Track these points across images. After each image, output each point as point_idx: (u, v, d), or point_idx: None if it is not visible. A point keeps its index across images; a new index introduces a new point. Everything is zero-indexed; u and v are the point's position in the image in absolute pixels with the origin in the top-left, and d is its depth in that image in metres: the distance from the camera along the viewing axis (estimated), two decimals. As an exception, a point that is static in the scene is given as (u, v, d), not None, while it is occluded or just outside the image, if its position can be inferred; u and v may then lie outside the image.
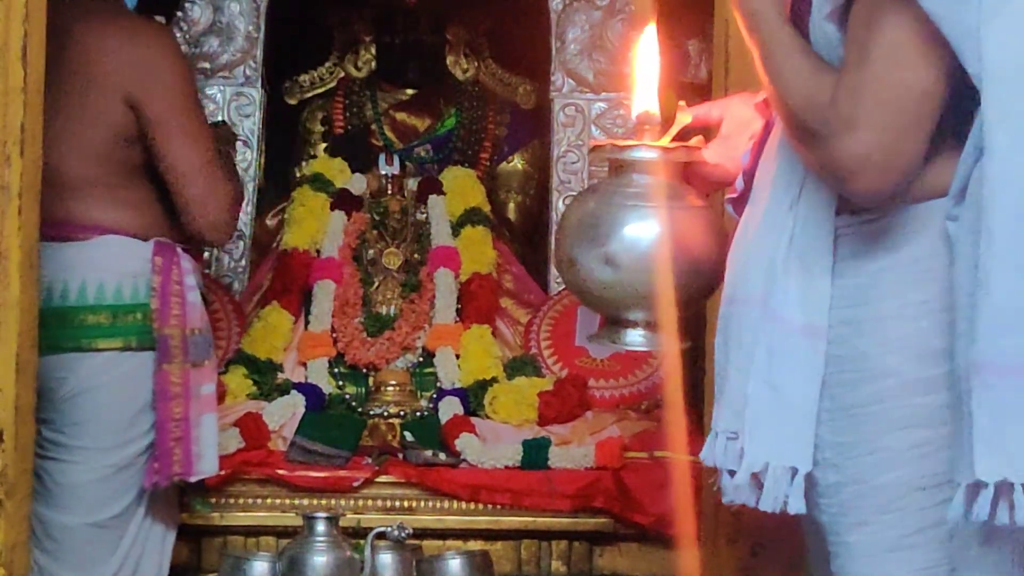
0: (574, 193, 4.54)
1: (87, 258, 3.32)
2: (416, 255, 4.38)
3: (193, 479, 3.40)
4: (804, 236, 2.09)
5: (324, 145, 4.83)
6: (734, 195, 2.25)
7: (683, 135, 2.30)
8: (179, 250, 3.39)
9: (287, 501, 3.73)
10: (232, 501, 3.72)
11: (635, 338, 2.28)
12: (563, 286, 4.38)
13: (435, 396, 4.07)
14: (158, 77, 3.31)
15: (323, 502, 3.70)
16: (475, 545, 3.73)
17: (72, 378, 3.32)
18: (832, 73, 2.00)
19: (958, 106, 1.97)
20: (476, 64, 4.91)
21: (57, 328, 3.28)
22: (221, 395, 3.86)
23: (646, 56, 2.30)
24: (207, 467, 3.40)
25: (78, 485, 3.34)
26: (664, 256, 2.20)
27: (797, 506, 2.08)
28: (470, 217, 4.42)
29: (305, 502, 3.71)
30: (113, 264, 3.33)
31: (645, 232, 2.21)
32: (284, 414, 3.89)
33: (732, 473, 2.12)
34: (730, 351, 2.15)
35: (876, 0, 1.95)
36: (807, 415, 2.08)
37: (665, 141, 2.27)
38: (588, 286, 2.26)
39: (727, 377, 2.15)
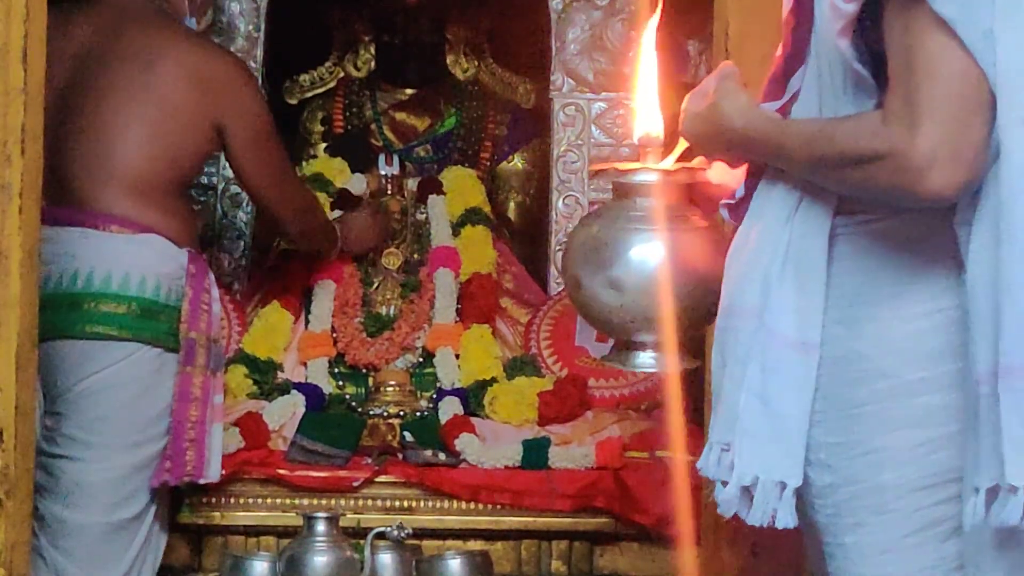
0: (574, 193, 4.54)
1: (131, 251, 3.42)
2: (416, 255, 4.38)
3: (202, 481, 3.47)
4: (799, 251, 2.09)
5: (324, 145, 4.83)
6: (731, 201, 2.25)
7: (687, 155, 2.31)
8: (207, 265, 3.56)
9: (287, 501, 3.73)
10: (232, 501, 3.72)
11: (645, 360, 2.29)
12: (563, 286, 4.39)
13: (435, 396, 4.07)
14: (243, 106, 3.57)
15: (323, 502, 3.70)
16: (475, 545, 3.74)
17: (92, 370, 3.37)
18: (855, 112, 2.01)
19: None
20: (476, 64, 4.90)
21: (87, 313, 3.38)
22: (221, 396, 3.88)
23: (647, 77, 2.30)
24: (213, 472, 3.48)
25: (96, 484, 3.37)
26: (669, 279, 2.20)
27: (786, 520, 2.08)
28: (470, 217, 4.42)
29: (305, 502, 3.71)
30: (152, 262, 3.44)
31: (650, 255, 2.22)
32: (284, 414, 3.89)
33: (725, 484, 2.12)
34: (725, 362, 2.15)
35: (903, 10, 1.94)
36: (798, 430, 2.08)
37: (668, 163, 2.27)
38: (596, 310, 2.27)
39: (722, 388, 2.16)
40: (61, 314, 3.30)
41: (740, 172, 2.24)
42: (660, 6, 2.32)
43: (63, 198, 3.38)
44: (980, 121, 1.92)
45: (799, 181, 2.10)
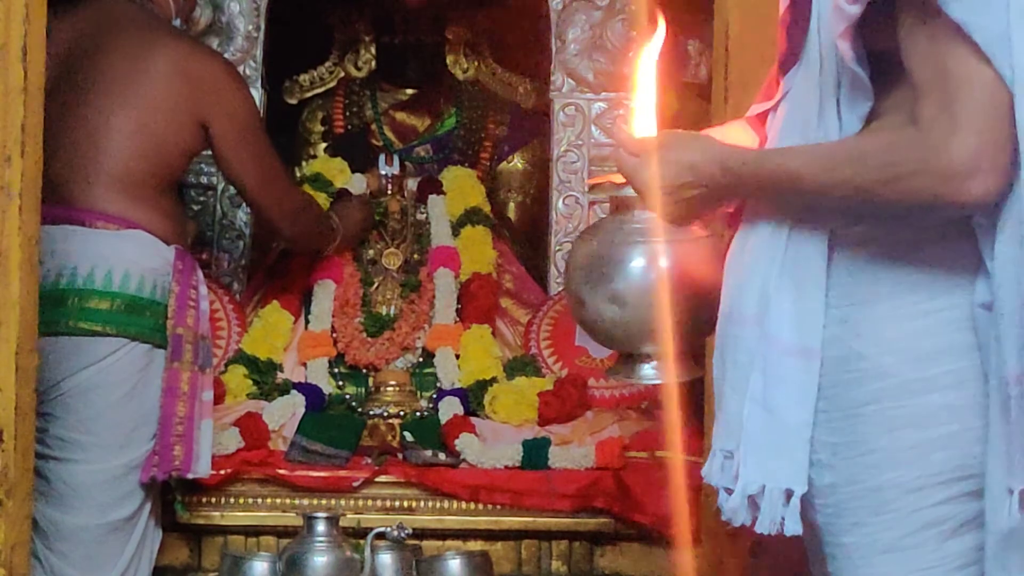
0: (574, 193, 4.54)
1: (116, 247, 3.43)
2: (416, 255, 4.38)
3: (189, 476, 3.46)
4: (797, 256, 2.09)
5: (324, 145, 4.83)
6: (729, 209, 2.25)
7: None
8: (195, 261, 3.55)
9: (287, 501, 3.73)
10: (232, 501, 3.72)
11: (649, 372, 2.29)
12: (566, 302, 4.38)
13: (435, 396, 4.07)
14: (229, 104, 3.56)
15: (323, 502, 3.70)
16: (475, 545, 3.73)
17: (79, 367, 3.36)
18: (849, 113, 2.01)
19: None
20: (476, 64, 4.90)
21: (73, 309, 3.38)
22: (221, 395, 3.88)
23: (644, 91, 2.30)
24: (202, 468, 3.47)
25: (88, 486, 3.37)
26: (670, 291, 2.20)
27: (793, 528, 2.08)
28: (470, 217, 4.42)
29: (305, 502, 3.71)
30: (138, 257, 3.44)
31: (649, 268, 2.22)
32: (284, 414, 3.89)
33: (729, 491, 2.12)
34: (727, 369, 2.15)
35: (925, 20, 1.94)
36: (802, 437, 2.08)
37: None
38: (598, 325, 2.27)
39: (724, 395, 2.15)
40: (47, 311, 3.27)
41: None
42: (663, 23, 2.31)
43: (49, 196, 3.36)
44: (1009, 127, 1.92)
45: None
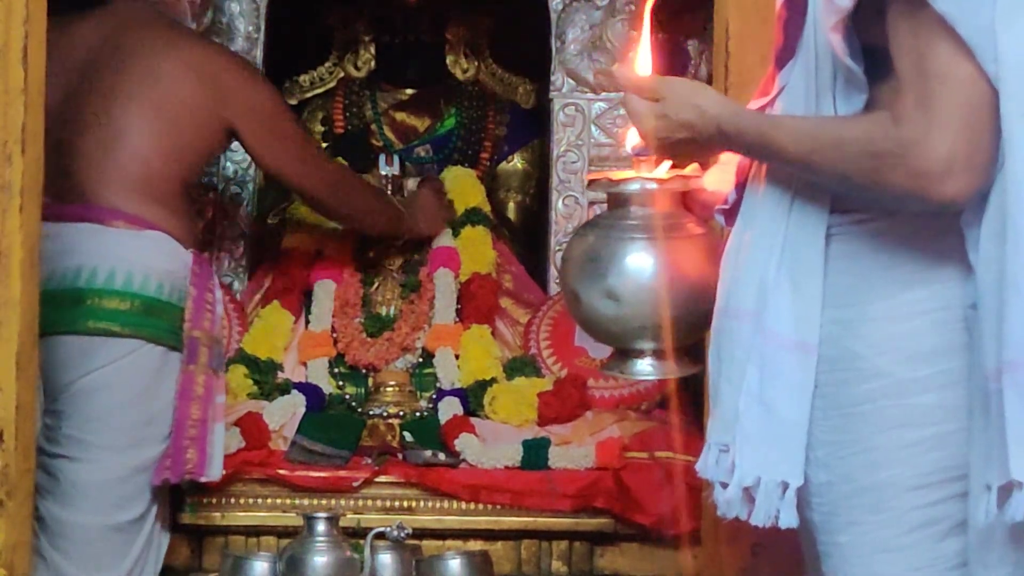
0: (574, 193, 4.54)
1: (135, 247, 3.44)
2: (416, 255, 4.38)
3: (203, 480, 3.47)
4: (794, 253, 2.10)
5: (324, 145, 4.83)
6: (726, 206, 2.26)
7: (680, 162, 2.31)
8: (211, 265, 3.62)
9: (287, 501, 3.73)
10: (232, 501, 3.72)
11: (644, 368, 2.30)
12: (559, 281, 4.38)
13: (435, 396, 4.07)
14: (250, 100, 3.60)
15: (323, 502, 3.70)
16: (475, 545, 3.74)
17: (94, 366, 3.37)
18: (844, 108, 2.01)
19: None
20: (476, 64, 4.90)
21: (91, 309, 3.39)
22: (221, 396, 3.88)
23: (645, 39, 2.30)
24: (215, 471, 3.49)
25: (95, 485, 3.38)
26: (666, 287, 2.21)
27: (789, 520, 2.08)
28: (470, 217, 4.42)
29: (305, 502, 3.71)
30: (157, 259, 3.46)
31: (645, 265, 2.23)
32: (284, 414, 3.89)
33: (724, 485, 2.13)
34: (722, 364, 2.16)
35: (909, 13, 1.94)
36: (798, 431, 2.09)
37: (662, 171, 2.28)
38: (593, 320, 2.29)
39: (719, 390, 2.16)
40: (64, 310, 3.31)
41: (732, 176, 2.25)
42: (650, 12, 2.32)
43: (70, 196, 3.40)
44: (990, 127, 1.92)
45: (792, 182, 2.10)
